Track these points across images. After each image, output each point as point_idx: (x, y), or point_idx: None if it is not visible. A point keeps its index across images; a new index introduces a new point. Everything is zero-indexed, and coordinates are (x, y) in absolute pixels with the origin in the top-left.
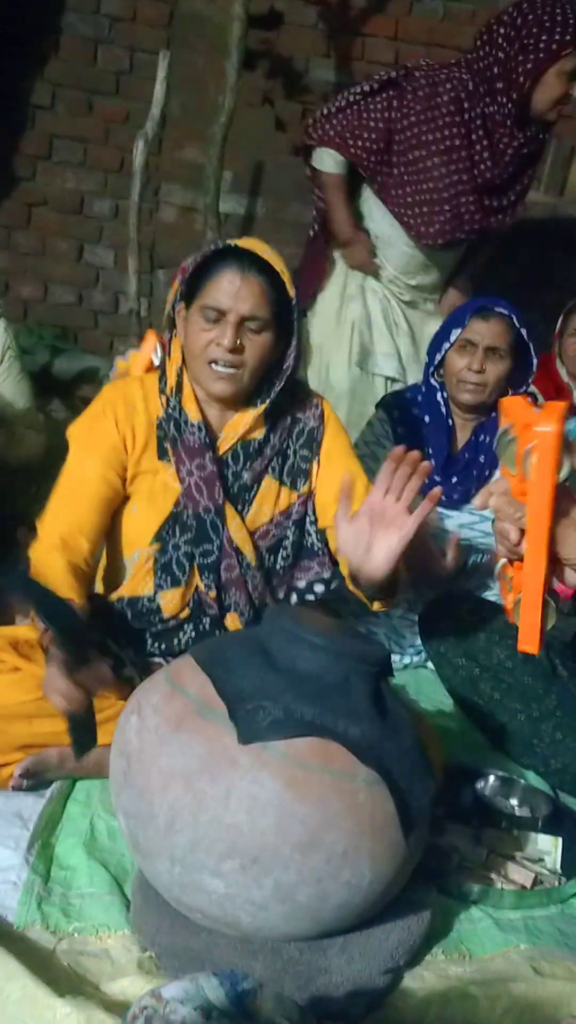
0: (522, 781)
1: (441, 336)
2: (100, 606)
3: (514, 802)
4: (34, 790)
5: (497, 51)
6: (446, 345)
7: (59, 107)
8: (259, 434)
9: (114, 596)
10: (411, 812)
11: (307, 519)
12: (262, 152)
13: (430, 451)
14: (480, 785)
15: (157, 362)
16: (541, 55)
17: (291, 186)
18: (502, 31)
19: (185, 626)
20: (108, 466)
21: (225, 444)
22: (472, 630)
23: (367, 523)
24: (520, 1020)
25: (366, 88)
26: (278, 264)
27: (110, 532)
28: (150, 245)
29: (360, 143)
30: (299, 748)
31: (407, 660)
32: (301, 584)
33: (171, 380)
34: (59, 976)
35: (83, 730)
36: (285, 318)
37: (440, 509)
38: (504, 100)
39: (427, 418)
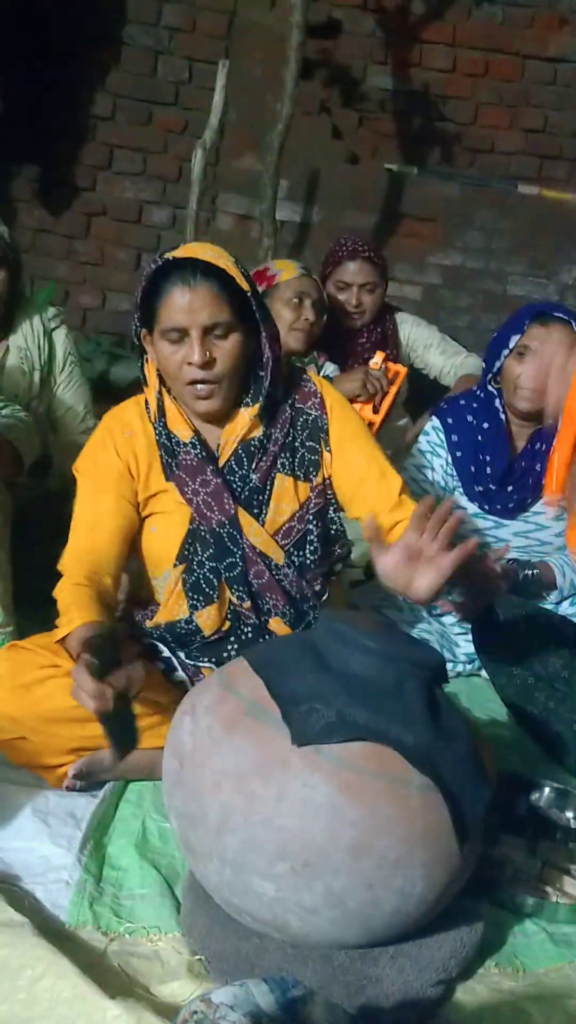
0: None
1: (499, 343)
2: (140, 632)
3: (569, 814)
4: (87, 791)
5: None
6: (504, 352)
7: (119, 117)
8: (258, 432)
9: (151, 624)
10: (465, 820)
11: (328, 507)
12: (318, 160)
13: (486, 459)
14: (535, 796)
15: None
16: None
17: (347, 193)
18: None
19: (229, 638)
20: (120, 497)
21: (226, 452)
22: (526, 638)
23: (405, 559)
24: None
25: None
26: (223, 262)
27: (138, 554)
28: None
29: None
30: (352, 752)
31: (459, 668)
32: (325, 568)
33: (153, 406)
34: (109, 977)
35: (119, 730)
36: (250, 311)
37: (496, 518)
38: None
39: (485, 425)
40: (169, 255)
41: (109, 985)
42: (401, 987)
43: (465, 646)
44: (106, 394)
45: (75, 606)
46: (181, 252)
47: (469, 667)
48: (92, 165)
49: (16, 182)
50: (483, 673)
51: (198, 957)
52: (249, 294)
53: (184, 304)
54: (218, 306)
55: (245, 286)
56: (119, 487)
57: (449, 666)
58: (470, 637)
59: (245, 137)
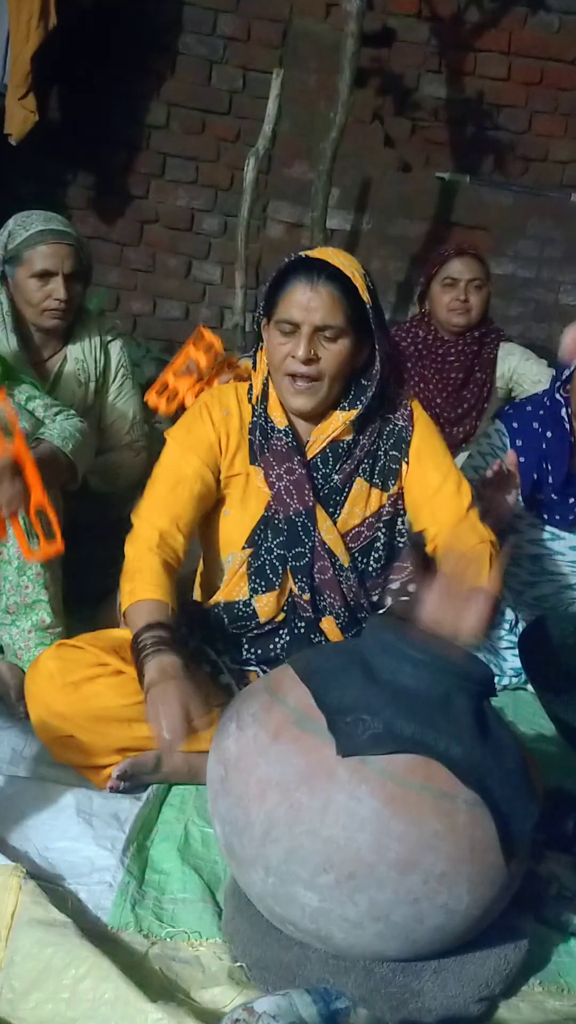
0: None
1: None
2: (197, 612)
3: None
4: (131, 792)
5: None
6: None
7: (173, 126)
8: (348, 436)
9: (211, 602)
10: (513, 837)
11: (398, 519)
12: (370, 168)
13: (548, 467)
14: None
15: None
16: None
17: (397, 202)
18: None
19: (280, 631)
20: (204, 464)
21: (314, 448)
22: (574, 652)
23: (447, 598)
24: None
25: None
26: (350, 270)
27: (208, 536)
28: (256, 261)
29: None
30: (399, 764)
31: (506, 682)
32: (395, 585)
33: (257, 389)
34: (151, 980)
35: None
36: (366, 322)
37: (554, 529)
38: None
39: (549, 433)
40: (303, 253)
41: (150, 988)
42: (443, 1002)
43: (512, 660)
44: None
45: (140, 576)
46: (315, 253)
47: (515, 681)
48: (146, 173)
49: (71, 190)
50: (529, 687)
51: (239, 964)
52: (369, 306)
53: (303, 301)
54: (334, 310)
55: (366, 298)
56: (206, 456)
57: (495, 680)
58: (517, 651)
59: (297, 145)
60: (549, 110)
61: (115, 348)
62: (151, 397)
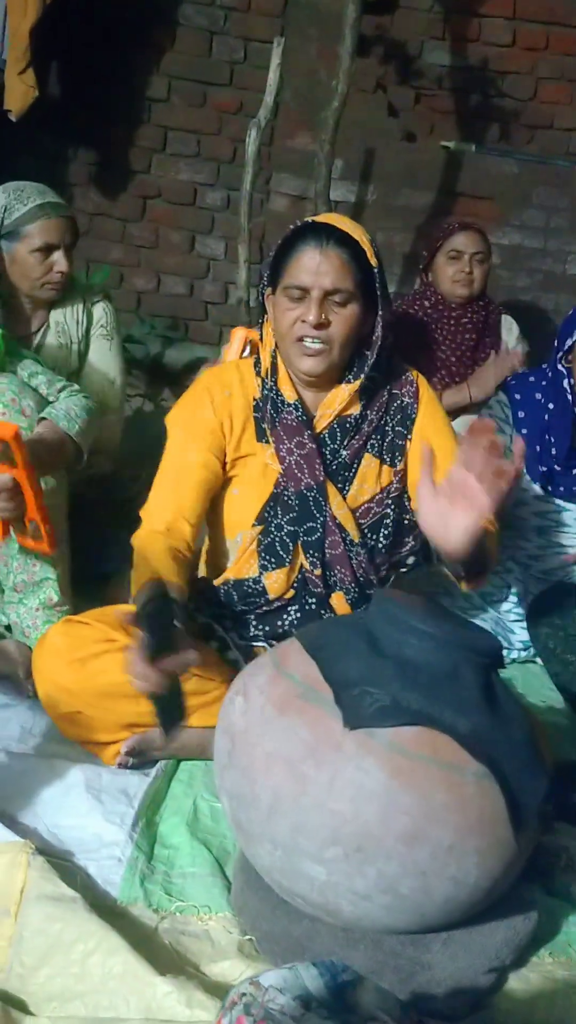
0: None
1: (571, 321)
2: (205, 589)
3: None
4: (139, 768)
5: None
6: None
7: (174, 99)
8: (355, 410)
9: (220, 580)
10: (521, 809)
11: (404, 496)
12: (373, 138)
13: (551, 439)
14: None
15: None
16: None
17: (402, 172)
18: None
19: (290, 607)
20: (208, 451)
21: (322, 422)
22: None
23: (447, 500)
24: None
25: None
26: (358, 234)
27: (214, 516)
28: (260, 235)
29: None
30: (406, 737)
31: (514, 655)
32: (396, 558)
33: (265, 363)
34: (160, 954)
35: (167, 707)
36: (371, 289)
37: (559, 501)
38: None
39: (551, 405)
40: (309, 219)
41: (159, 962)
42: (453, 974)
43: (520, 633)
44: (161, 377)
45: (147, 563)
46: (321, 218)
47: (524, 654)
48: (147, 148)
49: (72, 166)
50: (538, 660)
51: (248, 937)
52: (377, 271)
53: (312, 265)
54: (344, 274)
55: (374, 262)
56: (210, 442)
57: (504, 653)
58: (525, 624)
59: (300, 116)
60: (555, 76)
61: (98, 309)
62: None
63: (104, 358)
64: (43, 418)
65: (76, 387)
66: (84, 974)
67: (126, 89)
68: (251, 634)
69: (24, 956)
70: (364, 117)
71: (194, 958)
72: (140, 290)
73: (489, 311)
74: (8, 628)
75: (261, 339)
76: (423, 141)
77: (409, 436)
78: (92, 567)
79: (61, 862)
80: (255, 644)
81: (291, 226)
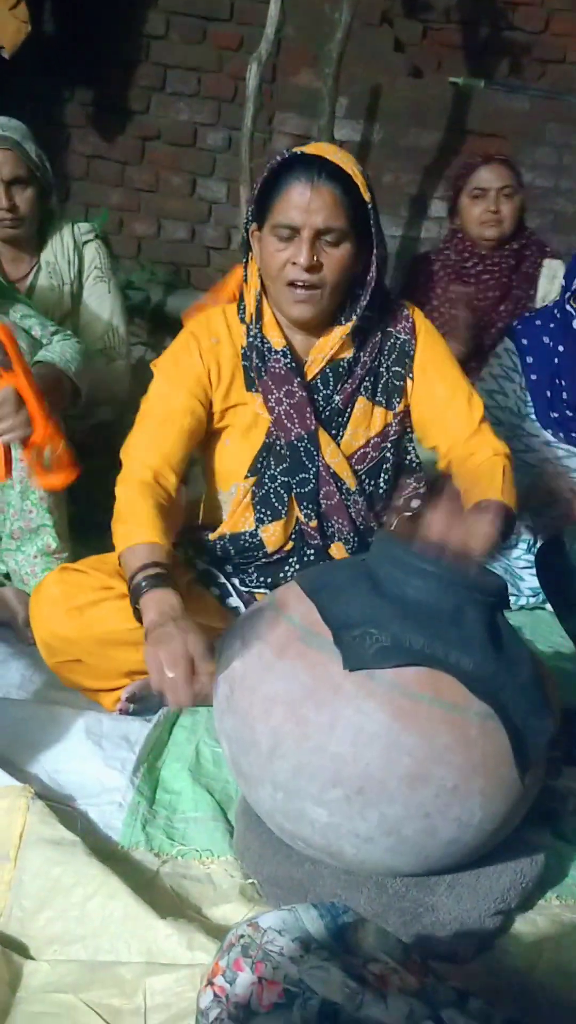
0: None
1: None
2: (204, 539)
3: None
4: (140, 715)
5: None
6: None
7: (173, 36)
8: (348, 354)
9: (215, 535)
10: (527, 750)
11: (405, 437)
12: (379, 74)
13: (562, 383)
14: None
15: None
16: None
17: (409, 109)
18: None
19: (289, 559)
20: (194, 398)
21: (313, 368)
22: None
23: (456, 513)
24: None
25: None
26: (350, 167)
27: (208, 468)
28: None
29: None
30: (407, 678)
31: (523, 601)
32: (399, 502)
33: (250, 307)
34: (161, 898)
35: None
36: (364, 226)
37: (569, 447)
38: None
39: (561, 348)
40: (297, 150)
41: (161, 906)
42: (458, 916)
43: (530, 579)
44: (163, 326)
45: (133, 519)
46: (311, 149)
47: (533, 600)
48: (145, 87)
49: (69, 107)
50: (548, 606)
51: (250, 881)
52: (370, 206)
53: (303, 202)
54: (336, 211)
55: (367, 196)
56: (196, 389)
57: (513, 599)
58: (535, 570)
59: (302, 52)
60: (567, 8)
61: (90, 249)
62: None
63: (102, 301)
64: (38, 362)
65: (68, 332)
66: (84, 917)
67: (123, 26)
68: (252, 582)
69: (24, 900)
70: (369, 52)
71: (196, 902)
72: (140, 236)
73: (525, 255)
74: (7, 576)
75: (245, 280)
76: (430, 77)
77: (410, 375)
78: (91, 516)
79: (61, 806)
80: (257, 591)
81: (278, 156)
